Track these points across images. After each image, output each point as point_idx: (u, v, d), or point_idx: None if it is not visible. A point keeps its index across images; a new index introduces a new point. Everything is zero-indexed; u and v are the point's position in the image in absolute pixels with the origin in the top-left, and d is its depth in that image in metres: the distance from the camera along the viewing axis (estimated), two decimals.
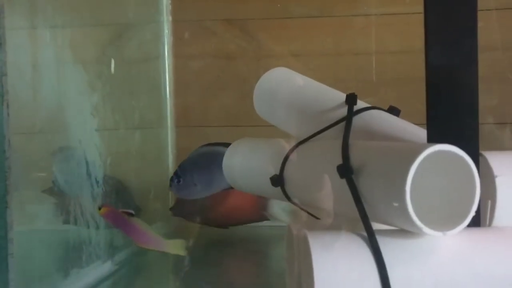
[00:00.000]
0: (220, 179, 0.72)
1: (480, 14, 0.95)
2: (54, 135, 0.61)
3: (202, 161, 0.76)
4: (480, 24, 0.94)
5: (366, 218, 0.42)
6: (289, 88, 0.66)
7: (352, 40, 1.01)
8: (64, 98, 0.62)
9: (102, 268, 0.66)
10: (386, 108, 0.60)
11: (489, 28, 0.94)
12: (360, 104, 0.57)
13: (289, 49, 1.03)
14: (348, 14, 1.01)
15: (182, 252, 0.63)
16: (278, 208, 0.78)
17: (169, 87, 1.02)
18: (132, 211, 0.65)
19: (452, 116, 0.44)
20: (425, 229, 0.38)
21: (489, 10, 0.95)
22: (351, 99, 0.54)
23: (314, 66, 1.03)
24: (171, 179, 0.75)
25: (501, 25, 0.95)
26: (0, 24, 0.43)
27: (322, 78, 0.99)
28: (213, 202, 0.84)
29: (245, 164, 0.69)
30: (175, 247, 0.63)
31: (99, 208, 0.64)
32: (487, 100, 0.92)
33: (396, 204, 0.39)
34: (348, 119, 0.51)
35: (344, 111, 0.55)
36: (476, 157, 0.43)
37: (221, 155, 0.69)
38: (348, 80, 1.02)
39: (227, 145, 0.71)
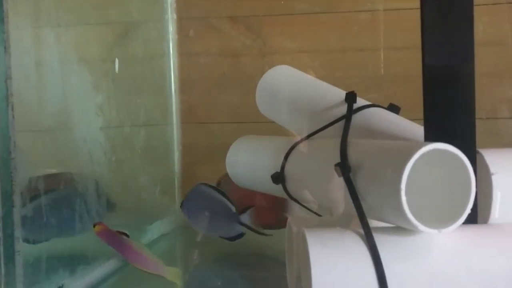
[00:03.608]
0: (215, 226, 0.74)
1: (491, 8, 0.95)
2: (59, 135, 0.62)
3: (200, 201, 0.77)
4: (491, 17, 0.94)
5: (363, 215, 0.43)
6: (290, 86, 0.67)
7: (356, 36, 1.01)
8: (69, 98, 0.63)
9: (107, 265, 0.67)
10: (386, 105, 0.60)
11: (500, 22, 0.94)
12: (360, 101, 0.57)
13: (294, 45, 1.04)
14: (353, 10, 1.01)
15: (178, 281, 0.63)
16: (300, 210, 0.75)
17: (175, 84, 1.03)
18: (126, 232, 0.64)
19: (449, 114, 0.44)
20: (421, 227, 0.39)
21: (499, 4, 0.94)
22: (350, 98, 0.55)
23: (319, 62, 1.03)
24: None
25: None
26: (4, 29, 0.44)
27: (327, 75, 1.00)
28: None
29: (247, 161, 0.70)
30: (173, 275, 0.63)
31: (94, 226, 0.64)
32: (502, 94, 0.92)
33: (391, 202, 0.39)
34: (347, 117, 0.52)
35: (344, 109, 0.55)
36: (472, 155, 0.43)
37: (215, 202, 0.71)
38: (353, 77, 1.02)
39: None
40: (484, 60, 0.95)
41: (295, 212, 0.76)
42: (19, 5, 0.55)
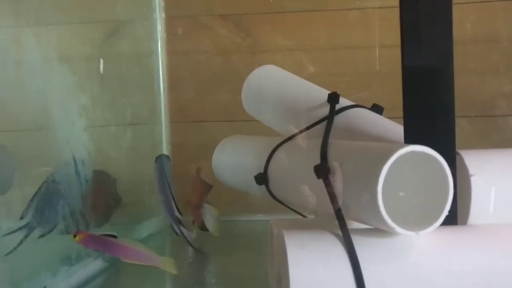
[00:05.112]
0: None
1: (485, 6, 0.94)
2: (40, 135, 0.62)
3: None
4: (486, 15, 0.94)
5: (341, 217, 0.43)
6: (275, 86, 0.67)
7: (347, 34, 1.01)
8: (51, 98, 0.62)
9: (93, 265, 0.67)
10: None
11: (494, 19, 0.94)
12: (344, 102, 0.57)
13: (284, 43, 1.03)
14: (343, 8, 1.01)
15: (173, 270, 0.63)
16: (209, 216, 0.78)
17: (163, 83, 1.02)
18: (114, 234, 0.64)
19: (429, 115, 0.44)
20: (398, 229, 0.39)
21: (492, 1, 0.94)
22: (332, 99, 0.55)
23: (309, 60, 1.02)
24: None
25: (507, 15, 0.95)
26: None
27: (317, 73, 0.99)
28: None
29: (232, 161, 0.70)
30: (167, 264, 0.63)
31: (74, 236, 0.62)
32: (492, 91, 0.92)
33: (369, 205, 0.39)
34: (329, 118, 0.52)
35: (327, 109, 0.55)
36: (452, 157, 0.43)
37: None
38: (343, 75, 1.02)
39: None
40: (474, 58, 0.95)
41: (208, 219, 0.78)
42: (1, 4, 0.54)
